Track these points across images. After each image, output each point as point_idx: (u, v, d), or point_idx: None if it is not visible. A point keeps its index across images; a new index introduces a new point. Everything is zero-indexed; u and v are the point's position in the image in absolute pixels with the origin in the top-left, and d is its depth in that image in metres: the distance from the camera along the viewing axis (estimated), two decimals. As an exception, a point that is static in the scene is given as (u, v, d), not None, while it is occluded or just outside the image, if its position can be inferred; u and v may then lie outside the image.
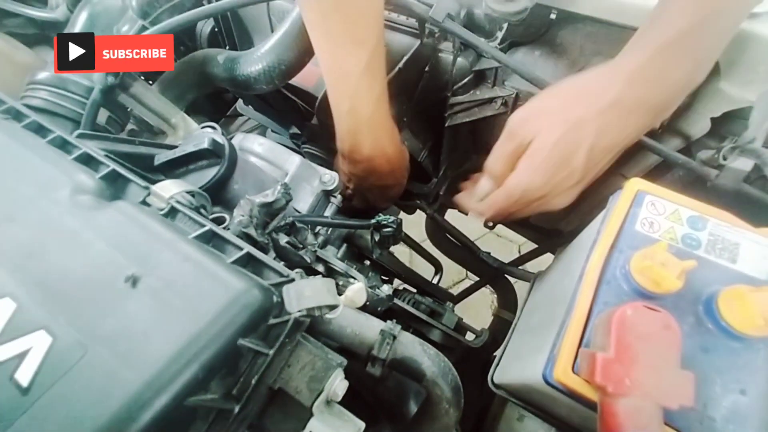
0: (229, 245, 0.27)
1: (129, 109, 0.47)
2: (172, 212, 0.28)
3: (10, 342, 0.19)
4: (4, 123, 0.32)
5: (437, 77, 0.52)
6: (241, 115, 0.97)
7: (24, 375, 0.19)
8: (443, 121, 0.57)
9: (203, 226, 0.27)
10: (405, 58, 0.51)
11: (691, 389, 0.21)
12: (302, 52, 0.47)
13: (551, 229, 0.74)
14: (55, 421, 0.18)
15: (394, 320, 0.34)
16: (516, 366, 0.42)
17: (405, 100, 0.56)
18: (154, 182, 0.40)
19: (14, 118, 0.33)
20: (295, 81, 0.55)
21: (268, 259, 0.26)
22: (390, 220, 0.50)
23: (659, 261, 0.25)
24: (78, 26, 0.46)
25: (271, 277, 0.26)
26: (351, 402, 0.28)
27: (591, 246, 0.31)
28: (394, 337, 0.32)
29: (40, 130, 0.33)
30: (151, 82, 0.59)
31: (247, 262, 0.26)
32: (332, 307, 0.26)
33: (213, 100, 0.97)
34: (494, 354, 0.85)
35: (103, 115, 0.45)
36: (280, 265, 0.26)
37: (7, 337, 0.19)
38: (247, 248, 0.26)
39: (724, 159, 0.39)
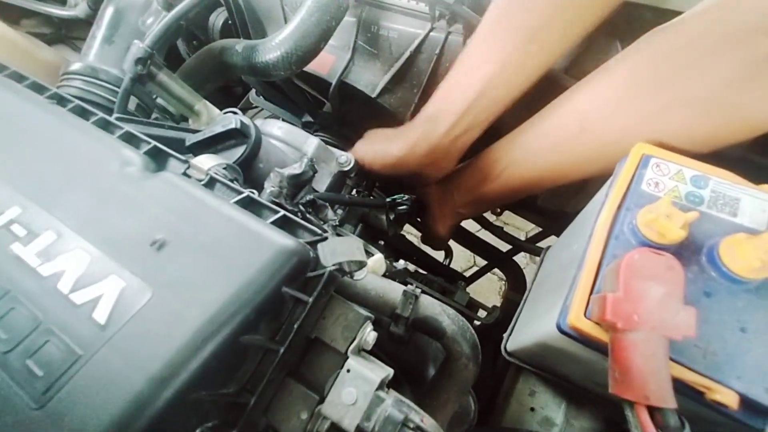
0: (265, 210, 0.29)
1: (154, 97, 0.50)
2: (211, 183, 0.31)
3: (87, 287, 0.22)
4: (52, 106, 0.34)
5: (448, 60, 0.54)
6: (252, 107, 0.99)
7: (101, 314, 0.21)
8: (453, 103, 0.59)
9: (241, 193, 0.29)
10: (416, 42, 0.53)
11: (694, 322, 0.23)
12: (318, 38, 0.50)
13: (558, 212, 0.75)
14: (132, 351, 0.20)
15: (415, 284, 0.37)
16: (529, 329, 0.44)
17: (415, 84, 0.58)
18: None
19: (58, 103, 0.36)
20: (310, 68, 0.58)
21: (302, 221, 0.28)
22: (404, 198, 0.53)
23: (664, 213, 0.27)
24: (105, 21, 0.49)
25: (306, 237, 0.28)
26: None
27: (599, 209, 0.33)
28: (416, 297, 0.34)
29: (83, 113, 0.35)
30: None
31: (283, 224, 0.28)
32: (361, 264, 0.28)
33: (223, 94, 1.00)
34: (504, 335, 0.87)
35: (132, 103, 0.47)
36: (313, 226, 0.28)
37: (83, 284, 0.22)
38: (283, 211, 0.28)
39: None
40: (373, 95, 0.58)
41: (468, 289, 0.91)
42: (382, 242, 0.64)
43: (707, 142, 0.35)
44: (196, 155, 0.42)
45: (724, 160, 0.43)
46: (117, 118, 0.39)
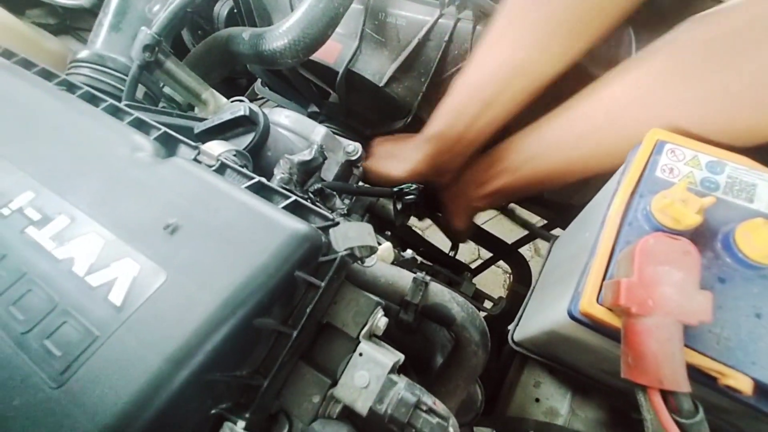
0: (276, 195, 0.29)
1: (162, 86, 0.50)
2: (221, 168, 0.31)
3: (102, 270, 0.22)
4: (62, 93, 0.34)
5: (456, 47, 0.53)
6: (258, 98, 0.99)
7: (116, 296, 0.21)
8: (461, 92, 0.58)
9: (252, 178, 0.29)
10: (424, 29, 0.53)
11: (710, 307, 0.23)
12: (326, 26, 0.49)
13: (563, 204, 0.75)
14: (148, 332, 0.20)
15: (424, 272, 0.37)
16: (537, 318, 0.44)
17: (423, 73, 0.58)
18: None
19: (68, 90, 0.36)
20: (316, 57, 0.57)
21: (313, 206, 0.28)
22: (412, 188, 0.53)
23: (679, 198, 0.26)
24: (112, 8, 0.49)
25: (317, 222, 0.28)
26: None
27: (611, 196, 0.33)
28: (426, 285, 0.34)
29: (92, 99, 0.35)
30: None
31: (295, 209, 0.28)
32: (372, 250, 0.28)
33: (228, 85, 1.00)
34: (509, 327, 0.87)
35: (139, 92, 0.47)
36: (324, 211, 0.28)
37: (98, 267, 0.22)
38: (294, 196, 0.28)
39: None
40: (381, 84, 0.57)
41: (473, 282, 0.91)
42: (389, 233, 0.64)
43: (748, 136, 0.33)
44: (205, 143, 0.42)
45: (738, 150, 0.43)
46: (126, 105, 0.39)
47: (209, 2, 0.77)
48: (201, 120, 0.46)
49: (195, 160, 0.31)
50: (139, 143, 0.30)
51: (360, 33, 0.57)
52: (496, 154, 0.54)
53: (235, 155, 0.34)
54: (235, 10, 0.70)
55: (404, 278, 0.35)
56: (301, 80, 0.71)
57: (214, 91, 0.52)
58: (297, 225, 0.25)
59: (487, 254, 0.88)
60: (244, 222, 0.25)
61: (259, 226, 0.25)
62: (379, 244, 0.50)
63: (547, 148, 0.47)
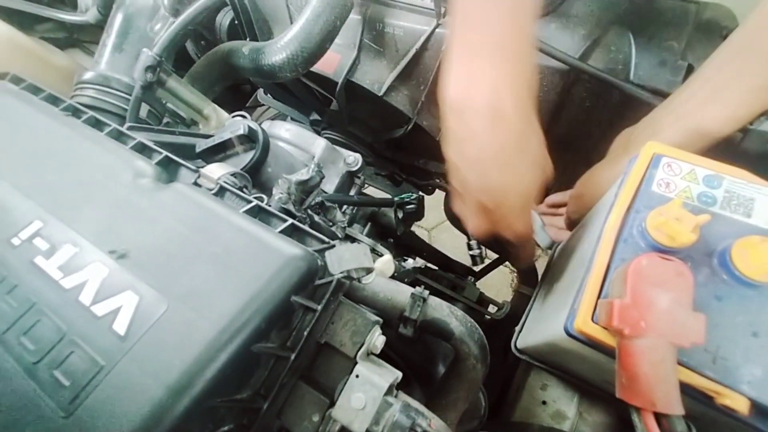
0: (274, 218, 0.30)
1: (165, 103, 0.51)
2: (221, 191, 0.31)
3: (106, 300, 0.23)
4: (67, 119, 0.35)
5: (454, 56, 0.53)
6: (261, 105, 1.00)
7: (120, 326, 0.22)
8: (461, 99, 0.58)
9: (250, 202, 0.30)
10: (422, 39, 0.53)
11: (703, 328, 0.23)
12: (324, 39, 0.50)
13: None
14: (150, 361, 0.21)
15: (423, 286, 0.37)
16: (538, 328, 0.44)
17: (422, 82, 0.58)
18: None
19: (73, 115, 0.37)
20: (316, 68, 0.58)
21: (309, 229, 0.29)
22: (412, 197, 0.53)
23: (674, 216, 0.26)
24: (115, 28, 0.50)
25: (314, 245, 0.29)
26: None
27: (608, 210, 0.33)
28: (424, 300, 0.35)
29: (97, 124, 0.36)
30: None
31: (292, 232, 0.29)
32: (368, 270, 0.29)
33: (232, 92, 1.01)
34: (515, 328, 0.87)
35: (143, 110, 0.48)
36: (321, 234, 0.29)
37: (103, 296, 0.23)
38: (291, 220, 0.29)
39: (751, 124, 0.39)
40: (380, 94, 0.58)
41: (480, 282, 0.91)
42: (392, 240, 0.65)
43: None
44: (206, 161, 0.43)
45: (739, 156, 0.42)
46: (129, 127, 0.41)
47: (211, 13, 0.78)
48: (204, 136, 0.47)
49: (195, 183, 0.32)
50: (141, 169, 0.31)
51: (358, 43, 0.58)
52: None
53: (234, 176, 0.34)
54: (236, 22, 0.71)
55: (403, 293, 0.36)
56: (303, 89, 0.71)
57: (216, 106, 0.53)
58: (293, 250, 0.26)
59: (492, 255, 0.88)
60: (241, 248, 0.26)
61: (256, 251, 0.26)
62: (380, 255, 0.51)
63: None
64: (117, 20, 0.50)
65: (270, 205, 0.35)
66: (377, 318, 0.30)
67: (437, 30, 0.52)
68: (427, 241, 1.80)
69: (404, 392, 0.34)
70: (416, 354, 0.42)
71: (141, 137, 0.39)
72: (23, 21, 0.81)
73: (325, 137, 0.84)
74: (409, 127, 0.62)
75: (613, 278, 0.27)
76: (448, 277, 0.68)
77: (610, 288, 0.28)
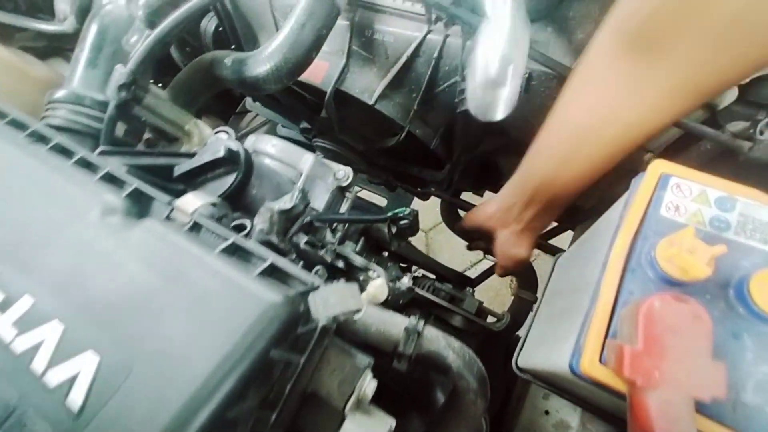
0: (252, 256, 0.27)
1: (143, 120, 0.48)
2: (196, 227, 0.29)
3: (63, 363, 0.21)
4: (32, 147, 0.33)
5: (447, 63, 0.51)
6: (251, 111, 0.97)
7: (75, 399, 0.20)
8: (454, 106, 0.56)
9: (227, 239, 0.28)
10: (412, 45, 0.50)
11: (724, 380, 0.21)
12: (309, 49, 0.47)
13: (573, 206, 0.73)
14: (110, 437, 0.19)
15: (417, 314, 0.35)
16: (540, 352, 0.42)
17: (414, 89, 0.55)
18: (176, 191, 0.42)
19: (39, 141, 0.35)
20: (303, 77, 0.55)
21: (292, 267, 0.27)
22: (406, 213, 0.51)
23: (686, 248, 0.24)
24: (88, 41, 0.47)
25: (297, 285, 0.26)
26: (379, 394, 0.29)
27: (614, 232, 0.31)
28: (419, 334, 0.33)
29: (64, 152, 0.34)
30: (160, 84, 0.60)
31: (272, 272, 0.27)
32: (357, 312, 0.26)
33: (222, 98, 0.98)
34: (517, 333, 0.86)
35: (120, 128, 0.46)
36: (304, 273, 0.27)
37: (59, 359, 0.21)
38: (271, 258, 0.26)
39: (761, 134, 0.37)
40: (371, 102, 0.55)
41: (480, 284, 0.89)
42: (386, 253, 0.63)
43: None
44: (186, 185, 0.41)
45: (748, 167, 0.40)
46: (102, 152, 0.38)
47: (195, 19, 0.75)
48: (185, 155, 0.45)
49: (168, 218, 0.30)
50: (109, 205, 0.29)
51: (347, 50, 0.55)
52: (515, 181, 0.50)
53: (213, 205, 0.32)
54: (220, 28, 0.68)
55: (396, 325, 0.34)
56: (291, 98, 0.69)
57: (198, 121, 0.51)
58: (272, 296, 0.24)
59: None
60: (215, 296, 0.24)
61: (231, 300, 0.23)
62: (373, 275, 0.48)
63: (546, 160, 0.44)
64: (91, 33, 0.48)
65: (251, 236, 0.33)
66: (368, 360, 0.28)
67: (429, 36, 0.49)
68: (424, 242, 1.78)
69: (401, 421, 0.32)
70: (413, 381, 0.40)
71: (114, 163, 0.36)
72: (2, 31, 0.78)
73: (316, 145, 0.82)
74: (402, 136, 0.60)
75: (622, 316, 0.25)
76: (445, 290, 0.65)
77: (618, 326, 0.26)
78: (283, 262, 0.27)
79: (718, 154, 0.44)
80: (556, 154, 0.42)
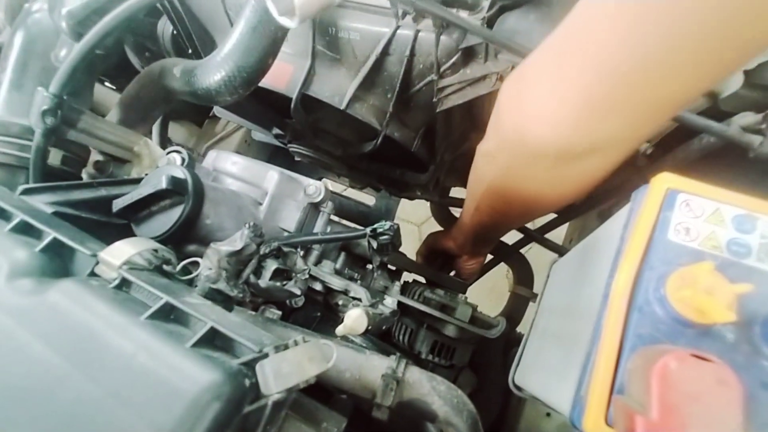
0: (190, 318, 0.23)
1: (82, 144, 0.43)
2: (124, 283, 0.25)
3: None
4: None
5: (421, 60, 0.46)
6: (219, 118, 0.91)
7: None
8: (433, 105, 0.51)
9: (160, 298, 0.23)
10: (382, 42, 0.45)
11: (759, 459, 0.17)
12: (264, 53, 0.42)
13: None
14: None
15: (397, 355, 0.31)
16: (538, 377, 0.38)
17: (388, 90, 0.50)
18: (118, 227, 0.37)
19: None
20: (264, 83, 0.50)
21: (237, 330, 0.22)
22: (386, 227, 0.46)
23: (704, 287, 0.20)
24: (12, 60, 0.41)
25: (243, 354, 0.22)
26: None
27: (614, 255, 0.27)
28: (398, 382, 0.29)
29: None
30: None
31: (214, 337, 0.23)
32: (318, 375, 0.22)
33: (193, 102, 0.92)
34: (516, 330, 0.83)
35: (57, 155, 0.41)
36: (251, 337, 0.22)
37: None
38: (210, 323, 0.22)
39: None
40: (342, 107, 0.50)
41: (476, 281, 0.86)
42: (370, 266, 0.58)
43: None
44: (129, 220, 0.36)
45: (755, 163, 0.36)
46: (26, 191, 0.33)
47: (151, 22, 0.69)
48: (132, 182, 0.40)
49: (92, 273, 0.25)
50: (20, 264, 0.24)
51: (311, 51, 0.50)
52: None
53: (154, 252, 0.27)
54: (174, 32, 0.62)
55: (374, 369, 0.30)
56: (255, 105, 0.63)
57: (149, 140, 0.45)
58: (209, 375, 0.20)
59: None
60: (139, 380, 0.19)
61: (158, 384, 0.19)
62: (353, 299, 0.44)
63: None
64: (14, 48, 0.42)
65: (197, 285, 0.28)
66: (341, 425, 0.24)
67: (399, 32, 0.44)
68: (417, 236, 1.73)
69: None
70: (400, 428, 0.36)
71: (39, 204, 0.31)
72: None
73: (293, 151, 0.77)
74: (379, 141, 0.55)
75: (632, 370, 0.21)
76: (436, 298, 0.62)
77: (626, 380, 0.22)
78: (227, 324, 0.23)
79: (720, 148, 0.40)
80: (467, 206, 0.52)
